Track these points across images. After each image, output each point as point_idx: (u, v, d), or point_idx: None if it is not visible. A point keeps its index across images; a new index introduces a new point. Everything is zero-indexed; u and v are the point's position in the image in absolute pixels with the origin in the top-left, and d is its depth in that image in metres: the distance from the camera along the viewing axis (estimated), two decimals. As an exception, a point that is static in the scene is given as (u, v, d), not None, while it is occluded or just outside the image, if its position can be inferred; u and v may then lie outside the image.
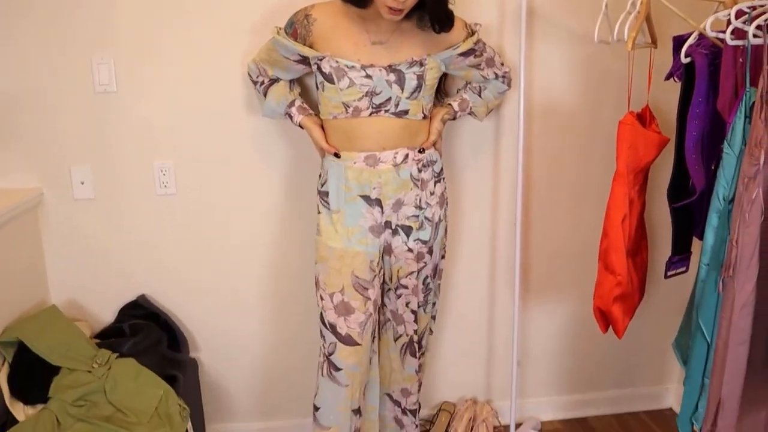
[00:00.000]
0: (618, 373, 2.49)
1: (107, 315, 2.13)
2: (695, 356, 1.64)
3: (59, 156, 2.01)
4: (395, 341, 1.97)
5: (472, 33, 1.82)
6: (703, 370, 1.64)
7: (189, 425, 1.81)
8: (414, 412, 2.05)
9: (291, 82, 1.93)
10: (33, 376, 1.75)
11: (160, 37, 1.96)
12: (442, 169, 1.90)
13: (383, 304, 1.94)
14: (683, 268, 1.89)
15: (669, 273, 1.87)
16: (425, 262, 1.88)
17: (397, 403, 2.04)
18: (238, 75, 2.00)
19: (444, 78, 1.94)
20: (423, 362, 2.06)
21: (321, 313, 1.84)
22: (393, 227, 1.83)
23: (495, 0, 2.06)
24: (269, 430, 2.33)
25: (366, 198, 1.80)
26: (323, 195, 1.84)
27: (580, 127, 2.22)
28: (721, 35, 1.52)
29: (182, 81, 2.00)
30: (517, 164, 2.02)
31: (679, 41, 1.72)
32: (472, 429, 2.31)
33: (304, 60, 1.79)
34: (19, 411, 1.70)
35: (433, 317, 2.04)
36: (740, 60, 1.54)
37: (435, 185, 1.86)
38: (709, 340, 1.60)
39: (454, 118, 1.96)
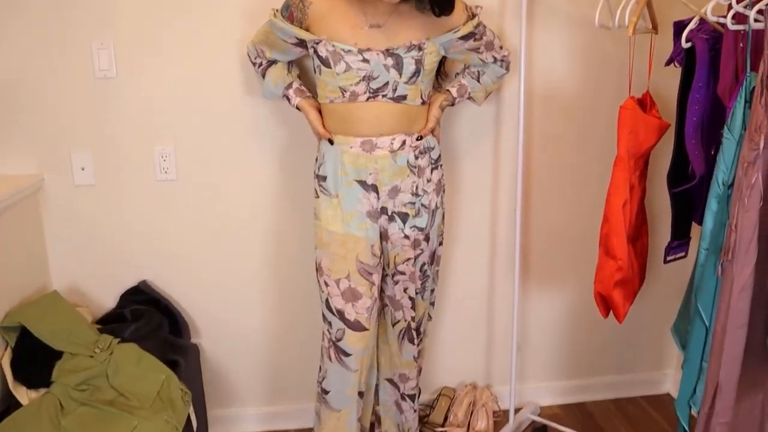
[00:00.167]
0: (616, 358, 2.51)
1: (108, 301, 2.13)
2: (694, 340, 1.65)
3: (59, 142, 2.01)
4: (393, 326, 1.97)
5: (473, 16, 1.80)
6: (701, 354, 1.65)
7: (191, 410, 1.82)
8: (413, 397, 2.06)
9: (289, 63, 1.91)
10: (35, 361, 1.75)
11: (160, 22, 1.96)
12: (439, 155, 1.89)
13: (381, 290, 1.93)
14: (682, 253, 1.90)
15: (668, 258, 1.88)
16: (422, 249, 1.88)
17: (396, 387, 2.05)
18: (237, 59, 1.99)
19: (444, 59, 1.92)
20: (422, 348, 2.06)
21: (327, 300, 1.83)
22: (389, 213, 1.82)
23: (495, -17, 2.06)
24: (270, 415, 2.34)
25: (362, 183, 1.78)
26: (320, 179, 1.83)
27: (581, 113, 2.22)
28: (722, 20, 1.53)
29: (182, 66, 2.00)
30: (518, 150, 2.02)
31: (679, 26, 1.72)
32: (471, 414, 2.32)
33: (302, 43, 1.77)
34: (23, 395, 1.71)
35: (432, 303, 2.05)
36: (741, 45, 1.54)
37: (432, 172, 1.85)
38: (707, 324, 1.61)
39: (453, 104, 1.94)
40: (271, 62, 1.88)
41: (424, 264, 1.91)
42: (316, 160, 1.86)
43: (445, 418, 2.32)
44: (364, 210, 1.80)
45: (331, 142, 1.79)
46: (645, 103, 1.81)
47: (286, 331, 2.26)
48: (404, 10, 1.71)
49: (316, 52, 1.72)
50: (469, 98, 1.97)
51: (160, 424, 1.66)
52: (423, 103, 1.80)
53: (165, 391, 1.77)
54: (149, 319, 1.99)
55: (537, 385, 2.48)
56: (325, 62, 1.71)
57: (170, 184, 2.07)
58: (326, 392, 1.88)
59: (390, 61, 1.70)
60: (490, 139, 2.21)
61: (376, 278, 1.84)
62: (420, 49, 1.71)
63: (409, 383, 2.03)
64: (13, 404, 1.69)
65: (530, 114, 2.17)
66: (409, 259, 1.87)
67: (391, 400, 2.06)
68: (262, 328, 2.26)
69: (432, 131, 1.86)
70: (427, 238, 1.88)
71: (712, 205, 1.57)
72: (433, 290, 2.01)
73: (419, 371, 2.07)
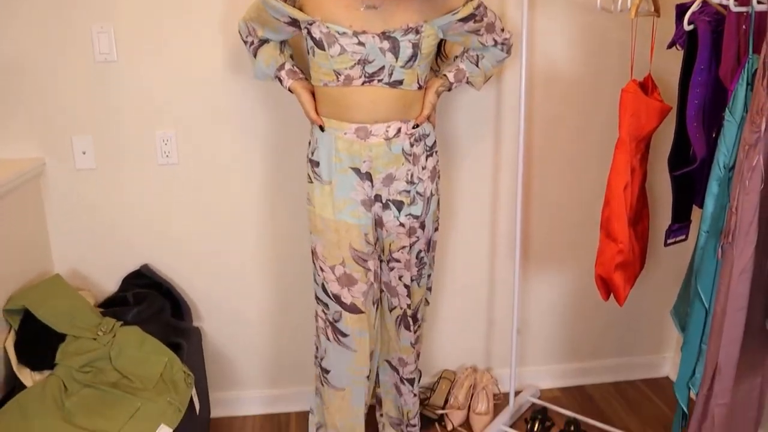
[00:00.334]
0: (616, 342, 2.52)
1: (110, 285, 2.14)
2: (693, 322, 1.66)
3: (60, 126, 2.00)
4: (390, 312, 1.96)
5: None
6: (700, 336, 1.66)
7: (193, 392, 1.83)
8: (411, 381, 2.06)
9: (281, 43, 1.85)
10: (39, 344, 1.77)
11: (160, 5, 1.95)
12: (435, 142, 1.85)
13: (379, 275, 1.91)
14: (683, 237, 1.90)
15: (669, 241, 1.88)
16: (417, 237, 1.86)
17: (395, 370, 2.05)
18: (239, 42, 1.98)
19: (443, 41, 1.87)
20: (420, 334, 2.06)
21: (323, 284, 1.83)
22: (384, 201, 1.80)
23: (497, -35, 2.04)
24: (272, 398, 2.36)
25: (356, 171, 1.75)
26: (314, 164, 1.79)
27: (582, 97, 2.21)
28: (724, 2, 1.52)
29: (183, 49, 1.99)
30: (519, 134, 2.02)
31: (682, 9, 1.71)
32: (472, 397, 2.34)
33: (295, 22, 1.71)
34: (27, 377, 1.72)
35: (429, 288, 2.03)
36: (743, 27, 1.54)
37: (427, 159, 1.82)
38: (707, 306, 1.62)
39: (450, 90, 1.89)
40: (263, 41, 1.82)
41: (420, 251, 1.89)
42: (309, 144, 1.82)
43: (446, 401, 2.33)
44: (358, 198, 1.77)
45: (321, 129, 1.75)
46: (647, 86, 1.81)
47: (287, 314, 2.27)
48: None
49: (309, 33, 1.67)
50: (468, 83, 1.91)
51: (163, 406, 1.67)
52: (420, 87, 1.76)
53: (168, 373, 1.79)
54: (151, 303, 2.00)
55: (537, 368, 2.49)
56: (318, 44, 1.66)
57: (171, 168, 2.07)
58: (327, 371, 1.89)
59: (386, 45, 1.65)
60: (491, 123, 2.20)
61: (372, 264, 1.83)
62: (417, 32, 1.66)
63: (407, 367, 2.03)
64: (18, 386, 1.71)
65: (531, 98, 2.17)
66: (404, 247, 1.85)
67: (390, 381, 2.07)
68: (263, 311, 2.27)
69: (428, 118, 1.82)
70: (422, 226, 1.86)
71: (712, 188, 1.57)
72: (429, 275, 2.00)
73: (417, 356, 2.07)
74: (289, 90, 1.82)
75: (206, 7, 1.96)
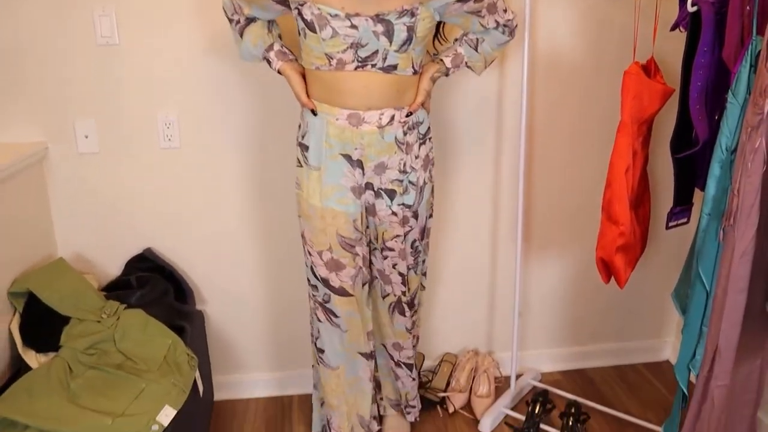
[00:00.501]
0: (617, 325, 2.53)
1: (113, 268, 2.15)
2: (694, 305, 1.67)
3: (63, 110, 2.00)
4: (383, 299, 1.94)
5: None
6: (701, 319, 1.66)
7: (197, 374, 1.85)
8: (409, 366, 2.04)
9: (270, 22, 1.76)
10: (44, 326, 1.78)
11: (161, -12, 1.95)
12: (428, 129, 1.80)
13: (370, 262, 1.89)
14: (684, 219, 1.90)
15: (670, 224, 1.89)
16: (411, 227, 1.83)
17: (390, 355, 2.04)
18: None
19: (442, 23, 1.81)
20: (416, 319, 2.04)
21: (311, 267, 1.81)
22: (375, 189, 1.75)
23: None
24: (274, 381, 2.38)
25: (347, 158, 1.70)
26: (303, 148, 1.74)
27: (584, 80, 2.21)
28: (728, -17, 1.51)
29: (184, 32, 1.99)
30: (521, 118, 2.01)
31: (685, -9, 1.70)
32: (473, 380, 2.35)
33: (285, 1, 1.63)
34: (32, 358, 1.74)
35: (424, 273, 2.01)
36: (747, 8, 1.53)
37: (420, 148, 1.77)
38: (708, 288, 1.62)
39: (447, 75, 1.82)
40: (250, 20, 1.73)
41: (415, 241, 1.86)
42: (299, 127, 1.77)
43: (447, 384, 2.35)
44: (348, 185, 1.73)
45: (314, 113, 1.70)
46: (649, 69, 1.80)
47: (289, 298, 2.28)
48: None
49: (300, 14, 1.60)
50: (468, 67, 1.84)
51: (167, 387, 1.68)
52: (415, 72, 1.69)
53: (171, 355, 1.80)
54: (154, 286, 2.01)
55: (538, 351, 2.51)
56: (309, 26, 1.58)
57: (174, 151, 2.08)
58: (322, 351, 1.90)
59: (380, 28, 1.58)
60: (493, 107, 2.20)
61: (360, 249, 1.79)
62: (412, 14, 1.59)
63: (404, 352, 2.01)
64: (23, 367, 1.72)
65: (533, 82, 2.17)
66: (398, 236, 1.82)
67: (387, 365, 2.07)
68: (265, 295, 2.28)
69: (422, 105, 1.76)
70: (415, 215, 1.82)
71: (714, 171, 1.57)
72: (424, 261, 1.97)
73: (416, 340, 2.07)
74: (278, 72, 1.75)
75: (208, -10, 1.96)
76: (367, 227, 1.83)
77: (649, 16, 1.82)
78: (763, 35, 1.43)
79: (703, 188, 1.64)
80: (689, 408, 1.71)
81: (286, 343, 2.34)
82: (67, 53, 1.96)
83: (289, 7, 1.64)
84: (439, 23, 1.79)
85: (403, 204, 1.78)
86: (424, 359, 2.42)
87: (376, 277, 1.91)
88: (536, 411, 2.15)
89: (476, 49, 1.82)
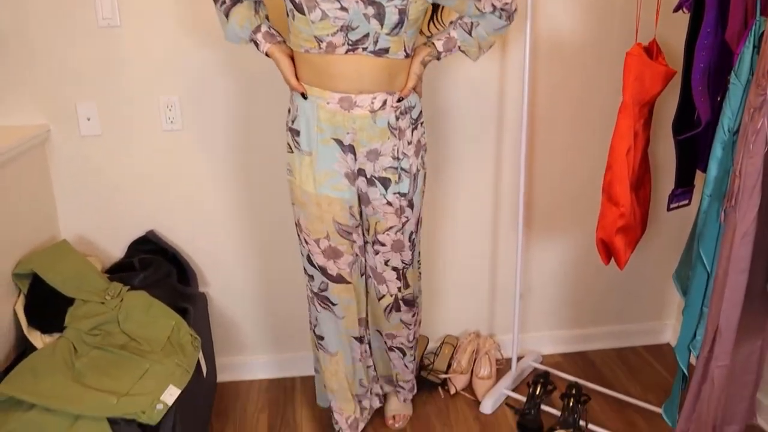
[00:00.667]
0: (618, 308, 2.54)
1: (116, 251, 2.16)
2: (695, 286, 1.68)
3: (64, 92, 2.00)
4: (379, 301, 1.89)
5: None
6: (702, 299, 1.67)
7: (200, 355, 1.86)
8: (402, 350, 2.02)
9: (256, 2, 1.70)
10: (48, 307, 1.79)
11: (162, -31, 1.94)
12: (420, 113, 1.76)
13: (364, 258, 1.86)
14: (686, 201, 1.91)
15: (672, 206, 1.89)
16: (407, 217, 1.78)
17: (384, 340, 2.02)
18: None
19: (440, 7, 1.77)
20: (418, 319, 2.01)
21: (308, 256, 1.79)
22: (368, 177, 1.71)
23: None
24: (277, 362, 2.40)
25: (339, 142, 1.67)
26: (294, 133, 1.70)
27: (586, 63, 2.20)
28: (732, -37, 1.51)
29: (186, 14, 1.98)
30: (523, 101, 2.01)
31: (689, -29, 1.69)
32: (474, 362, 2.37)
33: None
34: (37, 339, 1.75)
35: (419, 262, 1.97)
36: (751, -11, 1.52)
37: (412, 133, 1.73)
38: (709, 269, 1.63)
39: (439, 59, 1.76)
40: (236, 0, 1.67)
41: (412, 233, 1.82)
42: (289, 111, 1.73)
43: (449, 366, 2.36)
44: (342, 171, 1.69)
45: (304, 96, 1.65)
46: (651, 50, 1.80)
47: (292, 280, 2.29)
48: None
49: None
50: (462, 51, 1.78)
51: (171, 367, 1.69)
52: (407, 56, 1.65)
53: (175, 336, 1.81)
54: (157, 268, 2.02)
55: (539, 334, 2.52)
56: (298, 8, 1.54)
57: (176, 133, 2.08)
58: (321, 338, 1.91)
59: (371, 10, 1.53)
60: (494, 91, 2.20)
61: (357, 237, 1.78)
62: None
63: (397, 339, 1.99)
64: (29, 348, 1.74)
65: (535, 65, 2.16)
66: (391, 228, 1.77)
67: (381, 348, 2.05)
68: (268, 277, 2.29)
69: (413, 89, 1.71)
70: (411, 204, 1.78)
71: (716, 152, 1.57)
72: (419, 252, 1.93)
73: (413, 336, 2.01)
74: (266, 54, 1.70)
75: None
76: (361, 216, 1.79)
77: (652, -2, 1.81)
78: (766, 16, 1.42)
79: (704, 170, 1.64)
80: (689, 388, 1.72)
81: (288, 326, 2.35)
82: (69, 35, 1.95)
83: None
84: (435, 6, 1.76)
85: (398, 193, 1.74)
86: (428, 342, 2.43)
87: (369, 276, 1.87)
88: (537, 392, 2.16)
89: (470, 34, 1.74)
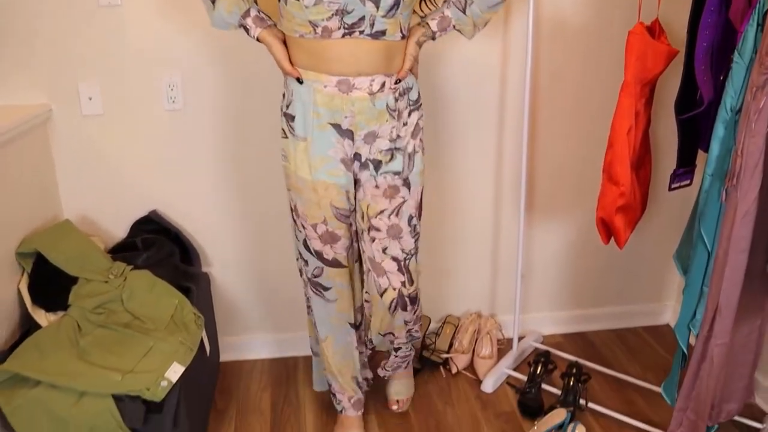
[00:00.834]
0: (618, 289, 2.55)
1: (119, 231, 2.17)
2: (696, 265, 1.68)
3: (66, 72, 2.00)
4: (381, 297, 1.79)
5: None
6: (702, 279, 1.68)
7: (204, 334, 1.87)
8: (397, 348, 1.97)
9: None
10: (52, 285, 1.80)
11: (163, -53, 1.93)
12: (418, 95, 1.72)
13: (362, 250, 1.81)
14: (687, 181, 1.91)
15: (673, 185, 1.89)
16: (403, 197, 1.72)
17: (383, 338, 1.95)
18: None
19: None
20: (418, 315, 1.92)
21: (304, 240, 1.77)
22: (363, 161, 1.68)
23: None
24: (280, 342, 2.41)
25: (336, 127, 1.63)
26: (289, 118, 1.66)
27: (588, 43, 2.19)
28: (736, -60, 1.50)
29: (187, -6, 1.98)
30: (525, 80, 2.01)
31: (693, -51, 1.69)
32: (476, 342, 2.38)
33: None
34: (41, 317, 1.76)
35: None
36: (755, -34, 1.51)
37: (410, 114, 1.70)
38: (709, 249, 1.64)
39: (434, 39, 1.72)
40: None
41: (411, 217, 1.76)
42: (284, 96, 1.69)
43: (450, 345, 2.38)
44: (338, 156, 1.66)
45: (300, 81, 1.62)
46: (654, 30, 1.79)
47: (294, 260, 2.29)
48: None
49: None
50: (456, 30, 1.74)
51: (175, 345, 1.71)
52: (403, 37, 1.62)
53: (178, 314, 1.83)
54: (160, 248, 2.03)
55: (540, 314, 2.53)
56: None
57: (178, 113, 2.08)
58: (314, 323, 1.92)
59: None
60: (496, 71, 2.19)
61: (354, 220, 1.78)
62: None
63: (397, 340, 1.95)
64: (33, 326, 1.75)
65: (537, 44, 2.15)
66: (383, 212, 1.72)
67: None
68: (271, 257, 2.30)
69: (410, 71, 1.68)
70: (407, 183, 1.72)
71: (719, 131, 1.57)
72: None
73: (412, 332, 1.94)
74: (258, 40, 1.65)
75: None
76: (356, 200, 1.76)
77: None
78: (770, -7, 1.42)
79: (706, 150, 1.64)
80: (688, 367, 1.74)
81: (291, 306, 2.36)
82: (70, 14, 1.94)
83: None
84: None
85: (390, 171, 1.70)
86: (430, 323, 2.45)
87: (369, 270, 1.79)
88: (538, 371, 2.18)
89: (464, 12, 1.70)
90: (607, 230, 1.91)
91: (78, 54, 1.99)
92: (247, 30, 1.65)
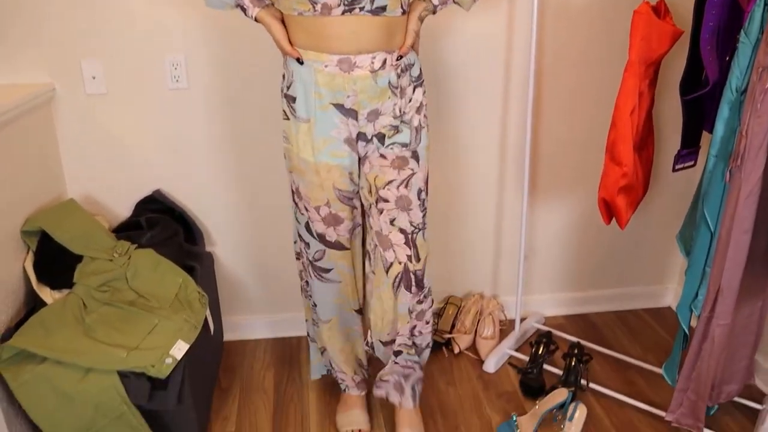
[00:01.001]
0: (620, 272, 2.56)
1: (123, 210, 2.18)
2: (698, 246, 1.69)
3: (69, 51, 1.99)
4: (387, 272, 1.73)
5: None
6: (705, 259, 1.68)
7: (207, 312, 1.89)
8: (397, 353, 1.83)
9: None
10: (57, 263, 1.81)
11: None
12: (420, 71, 1.70)
13: (370, 226, 1.78)
14: (691, 162, 1.91)
15: (677, 166, 1.89)
16: (412, 170, 1.69)
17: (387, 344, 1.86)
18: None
19: None
20: (426, 307, 1.81)
21: (307, 223, 1.76)
22: (369, 138, 1.66)
23: None
24: (282, 322, 2.43)
25: (339, 107, 1.60)
26: (290, 99, 1.64)
27: (593, 21, 2.17)
28: None
29: (190, -28, 1.96)
30: (530, 59, 1.99)
31: (700, -72, 1.67)
32: (478, 322, 2.39)
33: None
34: (47, 294, 1.77)
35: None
36: (763, -55, 1.50)
37: (414, 91, 1.68)
38: (712, 229, 1.64)
39: (435, 12, 1.69)
40: None
41: (420, 191, 1.72)
42: (284, 77, 1.66)
43: (453, 326, 2.39)
44: (341, 137, 1.64)
45: (300, 62, 1.58)
46: (659, 10, 1.78)
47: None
48: None
49: None
50: (456, 3, 1.71)
51: (179, 323, 1.72)
52: (404, 12, 1.58)
53: (183, 293, 1.84)
54: (164, 227, 2.04)
55: (542, 296, 2.54)
56: None
57: (182, 92, 2.07)
58: (315, 306, 1.90)
59: None
60: (500, 49, 2.18)
61: (357, 202, 1.76)
62: None
63: (399, 338, 1.81)
64: (38, 303, 1.76)
65: (542, 22, 2.14)
66: (391, 182, 1.68)
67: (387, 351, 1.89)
68: (274, 237, 2.30)
69: (411, 46, 1.65)
70: (415, 156, 1.70)
71: (723, 112, 1.57)
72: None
73: (415, 333, 1.82)
74: (255, 20, 1.61)
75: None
76: (360, 177, 1.73)
77: (663, -45, 1.78)
78: (778, -27, 1.41)
79: (711, 131, 1.64)
80: (690, 347, 1.75)
81: (295, 286, 2.35)
82: (73, -8, 1.94)
83: None
84: None
85: (396, 143, 1.67)
86: (432, 303, 2.44)
87: (377, 245, 1.74)
88: (540, 352, 2.19)
89: None
90: (608, 210, 1.91)
91: (81, 33, 1.98)
92: (244, 10, 1.61)
